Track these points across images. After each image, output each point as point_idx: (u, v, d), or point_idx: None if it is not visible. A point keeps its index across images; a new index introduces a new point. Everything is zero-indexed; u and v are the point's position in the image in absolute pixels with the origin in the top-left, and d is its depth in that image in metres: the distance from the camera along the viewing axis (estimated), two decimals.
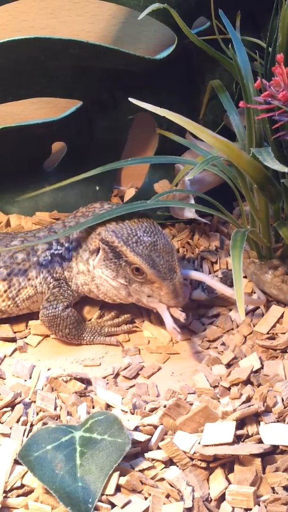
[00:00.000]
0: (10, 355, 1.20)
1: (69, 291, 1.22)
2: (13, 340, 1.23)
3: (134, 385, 1.13)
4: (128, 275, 1.16)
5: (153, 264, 1.15)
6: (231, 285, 1.31)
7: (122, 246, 1.16)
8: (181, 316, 1.15)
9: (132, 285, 1.17)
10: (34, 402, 1.07)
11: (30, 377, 1.14)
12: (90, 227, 1.19)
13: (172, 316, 1.15)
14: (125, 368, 1.16)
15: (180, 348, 1.21)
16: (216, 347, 1.21)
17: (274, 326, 1.22)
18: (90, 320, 1.26)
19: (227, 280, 1.33)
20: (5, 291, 1.22)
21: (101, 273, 1.19)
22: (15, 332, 1.24)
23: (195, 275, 1.23)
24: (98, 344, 1.22)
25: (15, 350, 1.21)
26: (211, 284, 1.22)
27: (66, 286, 1.22)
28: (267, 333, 1.21)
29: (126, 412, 1.04)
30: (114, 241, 1.16)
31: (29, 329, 1.25)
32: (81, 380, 1.11)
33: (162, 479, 0.94)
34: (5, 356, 1.19)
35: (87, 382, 1.12)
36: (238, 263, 1.02)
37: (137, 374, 1.16)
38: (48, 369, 1.16)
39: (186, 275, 1.21)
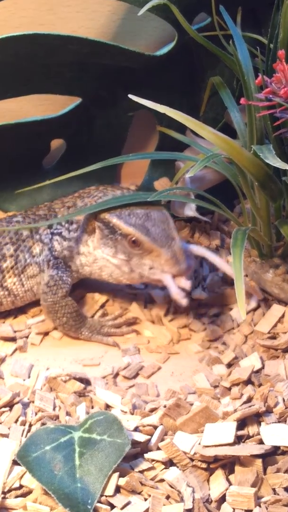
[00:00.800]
0: (10, 355, 1.19)
1: (67, 273, 1.21)
2: (13, 339, 1.22)
3: (133, 385, 1.13)
4: (126, 249, 1.16)
5: (147, 233, 1.15)
6: (231, 284, 1.30)
7: (115, 220, 1.16)
8: (186, 284, 1.13)
9: (133, 259, 1.16)
10: (33, 402, 1.06)
11: (29, 377, 1.13)
12: (85, 207, 1.20)
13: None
14: (124, 368, 1.16)
15: (181, 347, 1.20)
16: (217, 347, 1.20)
17: (275, 325, 1.21)
18: (92, 317, 1.25)
19: (228, 277, 1.32)
20: (12, 267, 1.22)
21: (101, 253, 1.19)
22: (15, 332, 1.23)
23: (196, 249, 1.20)
24: (95, 342, 1.21)
25: (15, 350, 1.20)
26: (212, 260, 1.20)
27: (64, 267, 1.22)
28: (268, 332, 1.20)
29: (126, 412, 1.04)
30: (106, 217, 1.17)
31: (29, 328, 1.24)
32: (80, 380, 1.10)
33: (162, 480, 0.93)
34: (6, 356, 1.19)
35: (86, 382, 1.11)
36: (239, 261, 1.02)
37: (137, 374, 1.15)
38: (47, 369, 1.16)
39: (186, 249, 1.19)
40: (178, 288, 1.12)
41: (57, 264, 1.22)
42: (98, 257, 1.20)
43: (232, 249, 1.04)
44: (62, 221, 1.23)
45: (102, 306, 1.27)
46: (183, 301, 1.12)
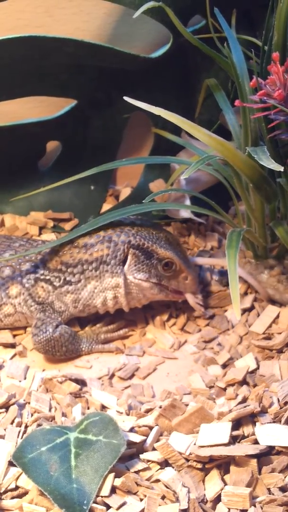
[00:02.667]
0: (10, 359, 1.19)
1: (56, 315, 1.19)
2: (12, 346, 1.22)
3: (129, 386, 1.13)
4: (159, 273, 1.20)
5: (178, 255, 1.21)
6: (226, 285, 1.31)
7: (154, 245, 1.20)
8: (200, 299, 1.24)
9: (162, 282, 1.21)
10: (29, 403, 1.06)
11: (25, 378, 1.14)
12: (108, 240, 1.19)
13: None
14: (120, 369, 1.16)
15: (180, 353, 1.20)
16: (212, 348, 1.20)
17: (270, 326, 1.21)
18: (84, 329, 1.24)
19: (224, 279, 1.32)
20: None
21: (133, 278, 1.20)
22: (14, 336, 1.23)
23: (199, 260, 1.30)
24: (97, 352, 1.20)
25: (14, 355, 1.20)
26: (220, 263, 1.28)
27: (51, 310, 1.20)
28: (263, 333, 1.21)
29: (121, 413, 1.04)
30: (144, 243, 1.19)
31: (27, 332, 1.24)
32: (76, 381, 1.10)
33: (157, 480, 0.94)
34: (3, 362, 1.18)
35: (82, 383, 1.11)
36: (233, 263, 1.02)
37: (133, 375, 1.15)
38: (43, 370, 1.16)
39: (194, 262, 1.29)
40: (196, 302, 1.24)
41: (43, 309, 1.20)
42: (128, 283, 1.20)
43: (227, 250, 1.05)
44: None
45: (93, 320, 1.26)
46: (202, 310, 1.24)
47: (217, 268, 1.35)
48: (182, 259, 1.22)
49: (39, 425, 1.01)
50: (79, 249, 1.20)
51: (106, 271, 1.20)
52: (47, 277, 1.21)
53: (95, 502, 0.89)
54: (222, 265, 1.31)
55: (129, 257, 1.19)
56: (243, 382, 1.09)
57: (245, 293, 1.29)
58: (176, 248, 1.22)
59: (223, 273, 1.34)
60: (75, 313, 1.22)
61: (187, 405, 1.03)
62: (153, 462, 0.96)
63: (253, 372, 1.12)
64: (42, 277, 1.21)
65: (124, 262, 1.20)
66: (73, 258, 1.20)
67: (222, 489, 0.92)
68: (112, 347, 1.20)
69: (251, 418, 1.00)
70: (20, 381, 1.13)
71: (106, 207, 1.51)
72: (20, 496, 0.93)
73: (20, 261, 1.22)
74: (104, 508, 0.89)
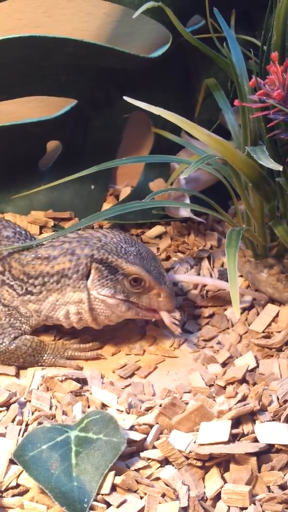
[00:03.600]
0: None
1: (21, 320, 1.17)
2: None
3: (129, 385, 1.13)
4: (126, 289, 1.14)
5: (149, 272, 1.14)
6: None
7: (118, 260, 1.13)
8: (178, 315, 1.17)
9: (130, 299, 1.15)
10: (30, 401, 1.07)
11: (17, 373, 1.13)
12: (70, 253, 1.15)
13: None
14: (120, 368, 1.16)
15: (180, 352, 1.20)
16: (212, 346, 1.21)
17: (269, 325, 1.22)
18: (59, 339, 1.21)
19: (223, 278, 1.33)
20: None
21: (97, 294, 1.14)
22: None
23: (180, 278, 1.25)
24: (58, 366, 1.17)
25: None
26: (200, 282, 1.23)
27: (17, 315, 1.17)
28: (263, 332, 1.21)
29: (122, 411, 1.04)
30: (108, 257, 1.14)
31: None
32: (77, 380, 1.11)
33: (157, 478, 0.94)
34: None
35: (83, 381, 1.12)
36: (233, 262, 1.02)
37: (133, 374, 1.16)
38: (42, 369, 1.16)
39: (172, 279, 1.22)
40: (171, 319, 1.16)
41: (9, 312, 1.18)
42: (91, 299, 1.14)
43: (226, 249, 1.05)
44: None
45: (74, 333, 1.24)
46: (178, 330, 1.16)
47: (216, 268, 1.36)
48: (153, 274, 1.14)
49: (39, 423, 1.01)
50: (41, 261, 1.16)
51: (68, 285, 1.15)
52: (11, 283, 1.19)
53: (95, 500, 0.90)
54: (202, 283, 1.27)
55: (92, 272, 1.14)
56: (243, 380, 1.10)
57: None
58: (148, 263, 1.15)
59: (223, 273, 1.34)
60: (40, 321, 1.19)
61: (187, 403, 1.04)
62: (153, 460, 0.96)
63: (252, 370, 1.12)
64: (7, 281, 1.19)
65: (87, 276, 1.14)
66: (34, 270, 1.17)
67: (222, 487, 0.92)
68: (73, 364, 1.16)
69: (251, 416, 1.00)
70: (13, 376, 1.13)
71: (106, 206, 1.51)
72: (21, 494, 0.93)
73: None
74: (105, 506, 0.90)
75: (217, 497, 0.92)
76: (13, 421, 1.03)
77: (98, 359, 1.18)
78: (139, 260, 1.14)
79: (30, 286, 1.17)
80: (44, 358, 1.16)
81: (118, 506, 0.90)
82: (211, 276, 1.34)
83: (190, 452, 0.95)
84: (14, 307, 1.18)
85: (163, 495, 0.92)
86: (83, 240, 1.16)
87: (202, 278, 1.24)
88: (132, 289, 1.14)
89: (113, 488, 0.91)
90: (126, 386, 1.13)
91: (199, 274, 1.35)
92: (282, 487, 0.93)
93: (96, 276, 1.14)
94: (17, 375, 1.14)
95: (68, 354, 1.17)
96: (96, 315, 1.16)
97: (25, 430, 1.01)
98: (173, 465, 0.96)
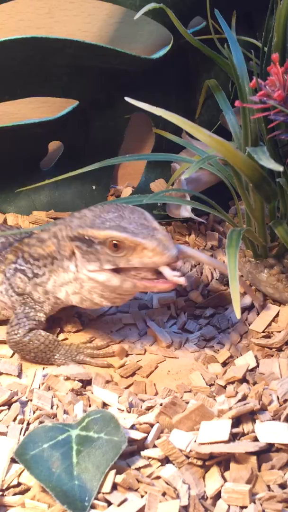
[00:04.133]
0: (10, 357, 1.19)
1: (36, 308, 1.18)
2: None
3: (132, 384, 1.13)
4: (110, 257, 1.07)
5: (124, 230, 1.06)
6: (227, 284, 1.32)
7: (88, 230, 1.08)
8: (180, 280, 1.05)
9: (120, 265, 1.07)
10: (31, 400, 1.07)
11: (20, 373, 1.14)
12: (54, 236, 1.15)
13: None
14: (121, 367, 1.17)
15: (181, 352, 1.20)
16: (212, 346, 1.21)
17: (269, 324, 1.22)
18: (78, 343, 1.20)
19: (224, 278, 1.33)
20: None
21: (87, 272, 1.10)
22: None
23: (185, 250, 1.13)
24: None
25: (14, 352, 1.20)
26: (202, 260, 1.16)
27: (32, 303, 1.18)
28: (263, 331, 1.21)
29: (123, 410, 1.05)
30: (80, 232, 1.10)
31: None
32: (81, 380, 1.11)
33: (158, 477, 0.94)
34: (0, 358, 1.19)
35: (86, 382, 1.12)
36: (233, 262, 1.03)
37: (134, 373, 1.16)
38: (43, 368, 1.16)
39: (178, 249, 1.09)
40: (173, 272, 1.05)
41: (24, 301, 1.19)
42: (85, 279, 1.11)
43: (227, 249, 1.05)
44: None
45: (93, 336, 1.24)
46: (182, 282, 1.05)
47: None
48: (131, 231, 1.05)
49: (41, 422, 1.01)
50: (39, 243, 1.18)
51: (58, 266, 1.15)
52: (23, 268, 1.19)
53: (96, 498, 0.90)
54: (205, 260, 1.17)
55: (76, 251, 1.11)
56: (243, 380, 1.10)
57: (245, 292, 1.29)
58: (128, 222, 1.07)
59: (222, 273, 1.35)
60: (53, 305, 1.19)
61: (187, 402, 1.04)
62: (154, 459, 0.96)
63: (253, 370, 1.13)
64: (19, 267, 1.20)
65: (72, 257, 1.13)
66: (35, 252, 1.19)
67: (222, 486, 0.92)
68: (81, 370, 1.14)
69: (251, 415, 1.00)
70: (16, 376, 1.13)
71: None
72: (22, 492, 0.94)
73: (5, 248, 1.21)
74: (105, 504, 0.90)
75: (217, 496, 0.93)
76: (14, 420, 1.03)
77: (108, 367, 1.17)
78: (116, 223, 1.08)
79: (36, 268, 1.19)
80: (55, 357, 1.16)
81: (119, 505, 0.90)
82: (212, 276, 1.35)
83: (190, 451, 0.96)
84: (28, 294, 1.19)
85: (164, 494, 0.92)
86: (67, 221, 1.15)
87: (204, 256, 1.15)
88: (115, 254, 1.06)
89: (114, 486, 0.92)
90: (129, 386, 1.13)
91: (201, 274, 1.35)
92: (282, 486, 0.94)
93: (79, 254, 1.11)
94: (19, 375, 1.15)
95: (80, 359, 1.17)
96: (94, 294, 1.12)
97: (27, 429, 1.02)
98: (173, 464, 0.96)
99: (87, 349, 1.18)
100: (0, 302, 1.22)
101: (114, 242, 1.06)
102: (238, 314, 0.99)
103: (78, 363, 1.16)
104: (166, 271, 1.06)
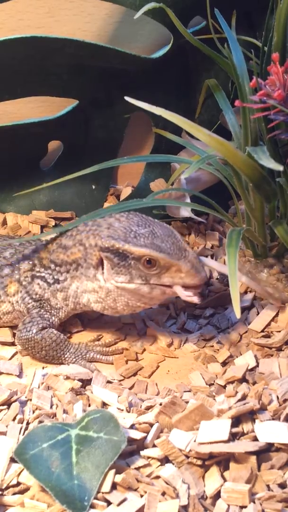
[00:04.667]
0: (9, 359, 1.19)
1: (51, 312, 1.19)
2: (12, 344, 1.22)
3: (134, 384, 1.13)
4: (142, 273, 1.11)
5: (160, 249, 1.10)
6: (227, 284, 1.32)
7: (124, 245, 1.11)
8: (194, 300, 1.12)
9: (151, 282, 1.11)
10: (30, 400, 1.07)
11: (21, 372, 1.14)
12: (79, 243, 1.16)
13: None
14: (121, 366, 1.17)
15: (181, 352, 1.20)
16: (212, 346, 1.21)
17: (269, 324, 1.22)
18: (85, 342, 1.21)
19: (224, 279, 1.33)
20: None
21: (115, 282, 1.12)
22: (14, 334, 1.24)
23: (207, 262, 1.18)
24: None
25: (15, 353, 1.20)
26: (223, 271, 1.19)
27: (48, 307, 1.19)
28: (262, 331, 1.21)
29: (122, 410, 1.05)
30: (113, 244, 1.12)
31: None
32: (81, 380, 1.11)
33: (157, 477, 0.94)
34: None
35: (86, 382, 1.12)
36: (233, 261, 1.03)
37: (136, 373, 1.16)
38: (43, 368, 1.16)
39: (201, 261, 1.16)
40: (186, 292, 1.11)
41: (40, 305, 1.19)
42: (111, 289, 1.13)
43: (227, 249, 1.06)
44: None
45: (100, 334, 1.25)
46: (195, 300, 1.12)
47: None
48: (167, 252, 1.10)
49: (40, 422, 1.01)
50: (62, 249, 1.18)
51: (82, 273, 1.16)
52: (42, 274, 1.20)
53: (96, 498, 0.90)
54: (223, 272, 1.21)
55: (105, 261, 1.13)
56: (243, 379, 1.10)
57: (245, 292, 1.29)
58: (162, 241, 1.11)
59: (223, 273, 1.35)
60: (70, 311, 1.21)
61: (187, 402, 1.04)
62: (153, 458, 0.96)
63: (252, 370, 1.13)
64: (38, 274, 1.20)
65: (98, 266, 1.14)
66: (58, 258, 1.19)
67: (221, 486, 0.92)
68: (92, 367, 1.15)
69: (251, 415, 1.00)
70: (17, 376, 1.13)
71: (107, 206, 1.51)
72: (21, 492, 0.93)
73: (18, 258, 1.22)
74: (105, 504, 0.90)
75: (217, 495, 0.93)
76: (14, 419, 1.03)
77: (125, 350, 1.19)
78: (150, 240, 1.11)
79: (57, 274, 1.19)
80: (65, 356, 1.16)
81: (118, 505, 0.90)
82: (212, 276, 1.35)
83: (190, 450, 0.96)
84: (46, 300, 1.19)
85: (163, 494, 0.92)
86: (93, 229, 1.15)
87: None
88: (148, 271, 1.11)
89: (114, 486, 0.92)
90: (132, 386, 1.12)
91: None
92: (281, 485, 0.94)
93: (109, 265, 1.13)
94: (19, 374, 1.15)
95: (90, 356, 1.17)
96: (121, 302, 1.14)
97: (26, 428, 1.02)
98: (173, 464, 0.96)
99: (96, 346, 1.19)
100: (15, 312, 1.22)
101: (148, 259, 1.10)
102: (238, 313, 0.99)
103: (89, 361, 1.17)
104: (179, 291, 1.11)
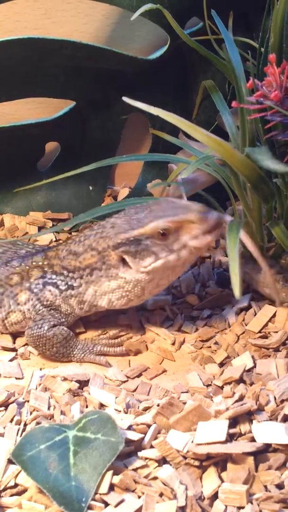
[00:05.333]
0: (9, 361, 1.19)
1: (60, 317, 1.19)
2: (13, 350, 1.22)
3: (138, 385, 1.13)
4: (163, 245, 1.12)
5: (163, 215, 1.11)
6: (224, 286, 1.32)
7: (133, 232, 1.13)
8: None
9: (174, 248, 1.12)
10: (28, 401, 1.07)
11: (22, 375, 1.14)
12: (90, 248, 1.17)
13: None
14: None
15: (178, 353, 1.20)
16: (209, 346, 1.21)
17: (266, 325, 1.22)
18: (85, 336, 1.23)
19: (222, 280, 1.33)
20: None
21: (144, 268, 1.13)
22: (15, 341, 1.23)
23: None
24: (87, 362, 1.18)
25: (14, 358, 1.20)
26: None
27: (57, 313, 1.20)
28: (260, 332, 1.21)
29: (120, 411, 1.05)
30: (124, 237, 1.13)
31: None
32: (78, 381, 1.11)
33: (155, 478, 0.94)
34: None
35: (84, 383, 1.12)
36: (234, 244, 1.00)
37: (140, 374, 1.16)
38: (41, 369, 1.16)
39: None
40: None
41: (48, 308, 1.20)
42: (140, 278, 1.14)
43: (227, 233, 1.01)
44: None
45: (105, 327, 1.26)
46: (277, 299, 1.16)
47: (215, 271, 1.37)
48: (168, 215, 1.11)
49: (38, 423, 1.01)
50: (73, 256, 1.19)
51: (101, 276, 1.17)
52: (54, 281, 1.20)
53: (93, 499, 0.90)
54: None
55: (125, 257, 1.14)
56: (240, 380, 1.10)
57: (242, 293, 1.29)
58: (162, 212, 1.12)
59: (221, 273, 1.35)
60: (81, 314, 1.22)
61: (184, 403, 1.04)
62: (151, 459, 0.96)
63: (250, 370, 1.13)
64: (49, 281, 1.21)
65: (118, 263, 1.15)
66: (70, 264, 1.19)
67: (219, 486, 0.92)
68: (103, 360, 1.17)
69: (248, 416, 1.00)
70: (17, 379, 1.13)
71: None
72: (19, 493, 0.93)
73: (27, 266, 1.22)
74: (103, 505, 0.90)
75: (215, 496, 0.93)
76: (11, 421, 1.03)
77: (127, 355, 1.19)
78: (152, 216, 1.12)
79: (71, 280, 1.20)
80: (74, 352, 1.18)
81: (116, 506, 0.90)
82: (209, 277, 1.35)
83: (187, 451, 0.96)
84: (56, 306, 1.20)
85: (161, 495, 0.92)
86: (100, 232, 1.17)
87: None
88: (166, 241, 1.12)
89: (111, 487, 0.92)
90: (136, 388, 1.12)
91: (199, 274, 1.36)
92: (279, 486, 0.94)
93: (130, 257, 1.14)
94: (19, 376, 1.15)
95: (98, 350, 1.19)
96: (151, 286, 1.16)
97: (24, 430, 1.01)
98: (170, 465, 0.96)
99: (101, 340, 1.20)
100: (25, 320, 1.22)
101: (160, 232, 1.11)
102: (238, 294, 0.94)
103: (97, 355, 1.18)
104: (200, 239, 1.11)
